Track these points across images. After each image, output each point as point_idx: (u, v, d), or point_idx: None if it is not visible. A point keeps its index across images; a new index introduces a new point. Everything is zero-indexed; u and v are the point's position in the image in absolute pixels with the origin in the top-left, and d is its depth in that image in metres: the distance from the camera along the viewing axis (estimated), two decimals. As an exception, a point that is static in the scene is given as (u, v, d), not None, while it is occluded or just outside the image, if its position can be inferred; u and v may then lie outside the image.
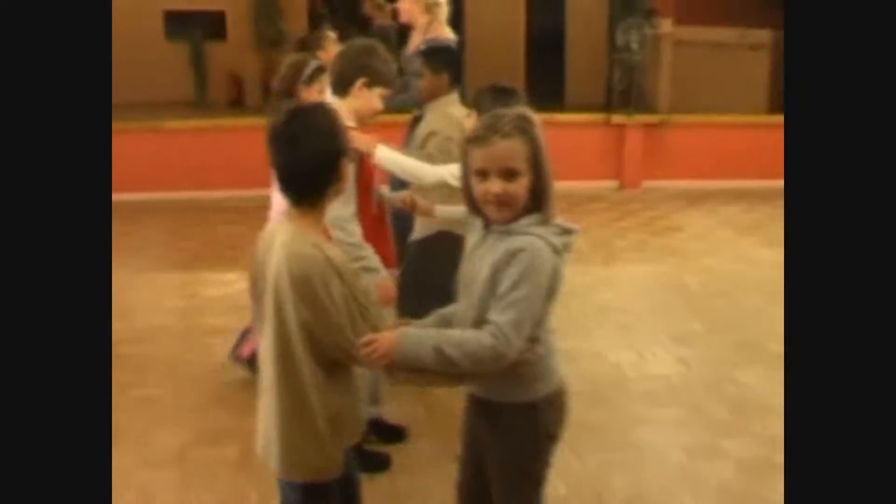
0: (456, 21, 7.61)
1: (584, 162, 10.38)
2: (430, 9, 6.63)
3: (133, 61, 14.75)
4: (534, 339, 2.87)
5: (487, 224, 2.91)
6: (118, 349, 6.05)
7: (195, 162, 10.27)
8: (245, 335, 5.46)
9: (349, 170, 2.93)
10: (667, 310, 6.82)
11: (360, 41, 4.43)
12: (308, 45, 6.73)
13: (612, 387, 5.47)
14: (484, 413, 3.05)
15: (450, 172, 4.23)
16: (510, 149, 2.77)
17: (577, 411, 5.08)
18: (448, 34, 6.67)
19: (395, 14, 9.72)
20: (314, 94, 4.94)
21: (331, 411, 2.87)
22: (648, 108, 11.12)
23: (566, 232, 2.89)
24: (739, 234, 9.04)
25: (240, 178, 9.31)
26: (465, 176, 2.88)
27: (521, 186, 2.78)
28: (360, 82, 4.16)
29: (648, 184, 10.81)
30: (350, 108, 4.15)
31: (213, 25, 15.85)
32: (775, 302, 6.55)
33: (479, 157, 2.80)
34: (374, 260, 4.06)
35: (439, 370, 2.76)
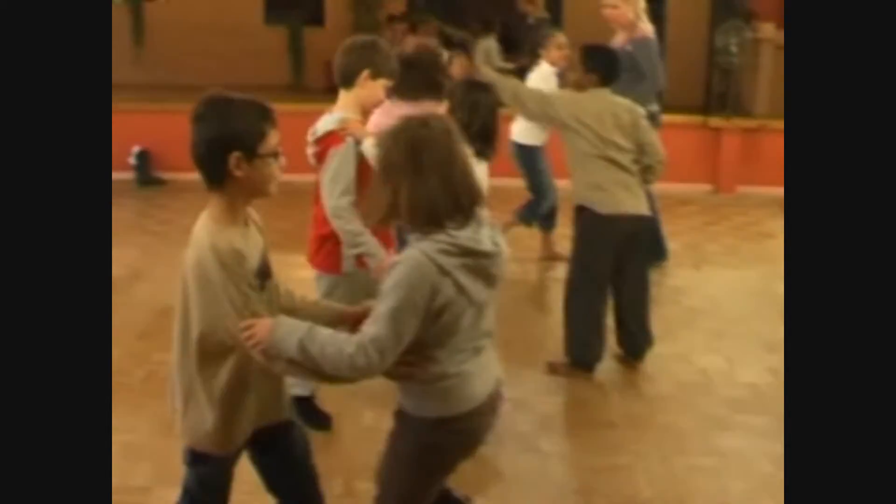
0: (555, 20, 7.76)
1: (679, 164, 10.21)
2: (637, 11, 6.99)
3: (232, 45, 14.95)
4: (427, 358, 2.86)
5: None
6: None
7: (291, 145, 10.35)
8: None
9: (265, 169, 2.91)
10: (757, 317, 6.71)
11: (361, 37, 4.65)
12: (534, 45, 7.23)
13: (699, 392, 5.41)
14: (395, 416, 3.11)
15: None
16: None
17: (663, 415, 5.11)
18: (650, 32, 7.05)
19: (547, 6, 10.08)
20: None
21: (215, 395, 2.97)
22: (746, 113, 10.94)
23: (467, 253, 2.80)
24: (834, 244, 8.86)
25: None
26: None
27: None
28: (364, 74, 4.34)
29: (743, 189, 10.63)
30: (356, 98, 4.39)
31: (312, 11, 15.98)
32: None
33: None
34: (372, 245, 4.26)
35: (306, 365, 2.81)
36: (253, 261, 2.94)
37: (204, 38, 14.84)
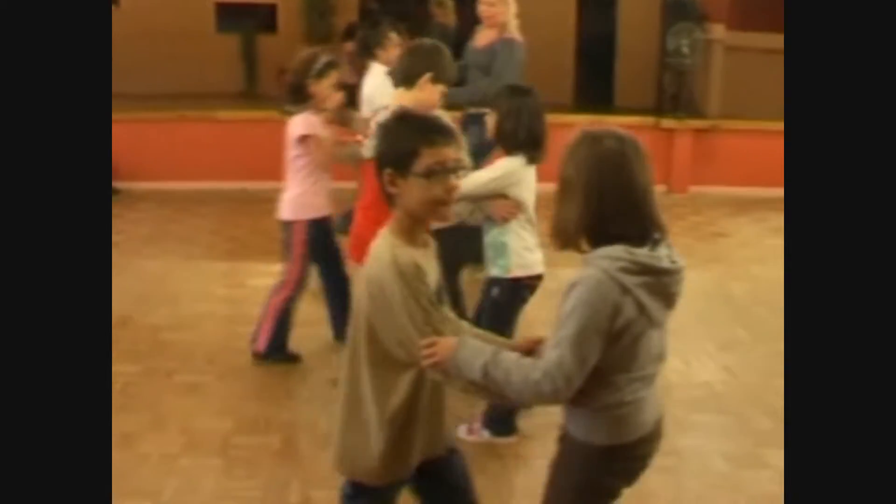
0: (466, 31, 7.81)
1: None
2: (509, 14, 7.01)
3: (184, 53, 14.86)
4: (607, 384, 2.72)
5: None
6: (164, 335, 6.12)
7: (245, 152, 10.35)
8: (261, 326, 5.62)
9: (418, 188, 2.79)
10: (712, 317, 6.78)
11: (428, 41, 4.81)
12: (368, 41, 6.84)
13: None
14: (560, 436, 2.98)
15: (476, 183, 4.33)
16: None
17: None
18: (518, 36, 7.04)
19: (457, 13, 9.93)
20: (324, 88, 5.12)
21: (386, 415, 2.86)
22: (698, 113, 11.06)
23: (647, 271, 2.68)
24: (787, 242, 8.96)
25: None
26: None
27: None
28: (427, 77, 4.50)
29: (696, 189, 10.74)
30: (414, 99, 4.46)
31: (265, 18, 15.94)
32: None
33: None
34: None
35: (489, 388, 2.71)
36: (432, 281, 2.86)
37: (155, 46, 14.73)
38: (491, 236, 4.56)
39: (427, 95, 4.51)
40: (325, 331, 5.84)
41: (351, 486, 3.00)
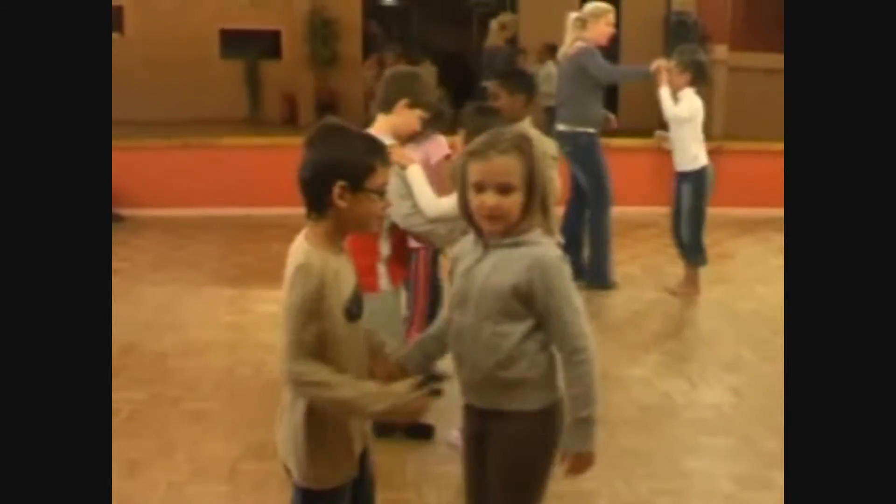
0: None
1: (636, 187, 10.33)
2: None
3: (189, 80, 14.95)
4: (544, 347, 3.00)
5: (485, 241, 3.00)
6: (170, 362, 6.13)
7: (249, 179, 10.39)
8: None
9: (369, 204, 2.90)
10: (718, 338, 6.78)
11: (405, 68, 5.09)
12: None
13: (662, 414, 5.45)
14: (492, 420, 3.07)
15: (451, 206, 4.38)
16: (506, 165, 2.91)
17: (627, 438, 5.13)
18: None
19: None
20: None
21: (317, 413, 2.90)
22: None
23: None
24: (792, 263, 8.94)
25: (293, 196, 9.34)
26: (463, 189, 2.99)
27: (514, 202, 2.91)
28: (403, 102, 4.62)
29: (700, 210, 10.74)
30: (391, 123, 4.62)
31: (269, 45, 16.05)
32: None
33: (476, 170, 2.94)
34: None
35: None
36: (346, 289, 2.90)
37: (160, 74, 14.83)
38: None
39: (404, 120, 4.65)
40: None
41: (302, 494, 2.99)
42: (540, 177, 2.93)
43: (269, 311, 7.07)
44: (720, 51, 11.15)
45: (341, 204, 2.84)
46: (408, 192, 4.47)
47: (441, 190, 4.52)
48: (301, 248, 2.90)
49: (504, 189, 2.89)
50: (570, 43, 7.72)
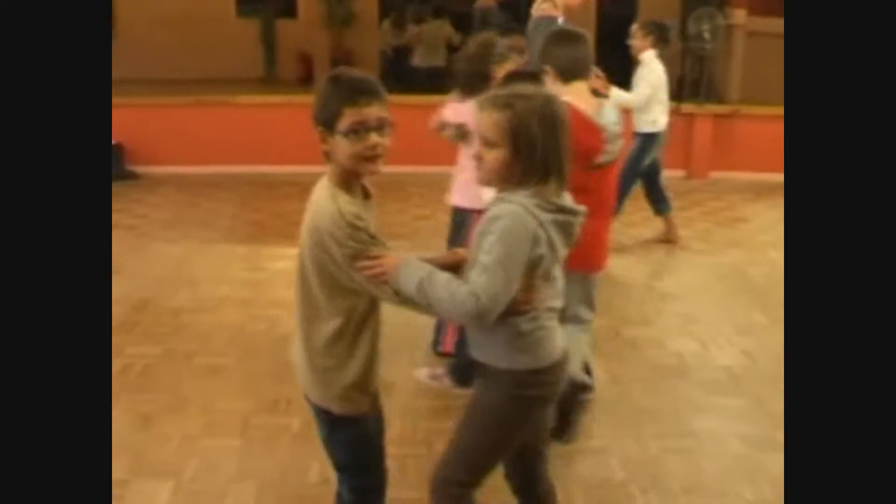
0: (526, 8, 7.80)
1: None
2: None
3: (204, 38, 14.91)
4: (522, 312, 2.96)
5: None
6: (183, 318, 6.16)
7: (264, 137, 10.40)
8: (441, 327, 5.47)
9: (345, 145, 2.92)
10: (730, 301, 6.77)
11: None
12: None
13: (674, 375, 5.46)
14: (480, 373, 3.16)
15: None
16: (488, 119, 2.92)
17: (638, 397, 5.15)
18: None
19: None
20: (501, 72, 5.04)
21: (332, 360, 3.06)
22: (719, 99, 11.03)
23: (562, 210, 2.95)
24: (807, 227, 8.92)
25: (307, 154, 9.35)
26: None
27: (493, 157, 2.91)
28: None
29: (716, 174, 10.71)
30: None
31: (284, 3, 15.99)
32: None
33: (476, 123, 3.00)
34: None
35: (419, 303, 2.90)
36: (370, 227, 2.95)
37: (176, 32, 14.81)
38: None
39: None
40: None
41: (327, 418, 3.21)
42: (528, 137, 2.88)
43: (283, 267, 7.10)
44: (739, 15, 11.07)
45: (325, 147, 2.96)
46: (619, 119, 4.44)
47: None
48: (320, 184, 3.01)
49: (486, 143, 2.92)
50: (538, 5, 7.35)
